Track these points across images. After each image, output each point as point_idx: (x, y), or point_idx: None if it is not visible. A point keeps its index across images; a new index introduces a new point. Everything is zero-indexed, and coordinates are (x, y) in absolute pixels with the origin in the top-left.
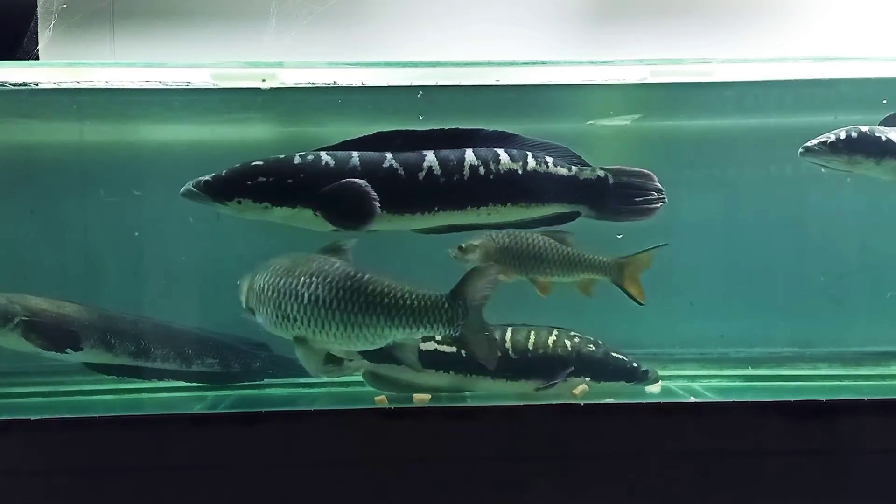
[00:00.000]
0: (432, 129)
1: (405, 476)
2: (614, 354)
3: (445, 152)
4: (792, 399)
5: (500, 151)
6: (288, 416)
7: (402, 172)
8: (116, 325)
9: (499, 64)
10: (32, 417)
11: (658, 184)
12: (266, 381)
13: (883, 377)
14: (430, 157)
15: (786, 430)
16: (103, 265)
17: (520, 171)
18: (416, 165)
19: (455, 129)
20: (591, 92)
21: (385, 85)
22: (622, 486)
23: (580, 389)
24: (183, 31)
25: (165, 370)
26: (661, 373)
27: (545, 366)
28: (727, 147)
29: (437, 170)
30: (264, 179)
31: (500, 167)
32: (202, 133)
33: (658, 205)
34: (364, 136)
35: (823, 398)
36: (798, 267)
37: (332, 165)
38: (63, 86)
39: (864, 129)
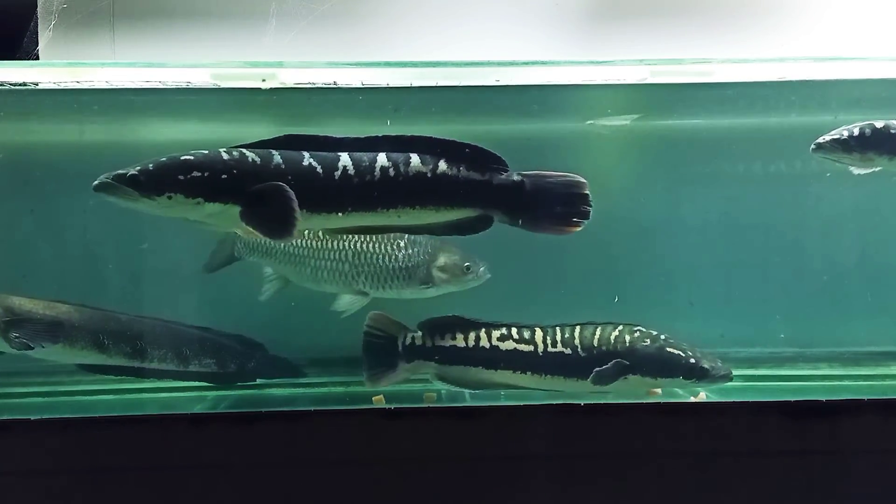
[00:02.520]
0: (346, 136)
1: (405, 476)
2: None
3: (359, 154)
4: (792, 399)
5: (413, 154)
6: (288, 416)
7: (321, 171)
8: (109, 326)
9: (499, 64)
10: (32, 417)
11: (586, 194)
12: (265, 381)
13: (883, 377)
14: (344, 157)
15: (786, 430)
16: (103, 265)
17: (429, 174)
18: (333, 165)
19: (374, 136)
20: (591, 92)
21: (385, 85)
22: (622, 486)
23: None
24: (183, 31)
25: (161, 370)
26: None
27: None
28: (727, 147)
29: (350, 170)
30: (199, 174)
31: (409, 169)
32: (203, 132)
33: (580, 221)
34: (280, 136)
35: (823, 398)
36: (798, 267)
37: (258, 163)
38: (63, 86)
39: (879, 125)
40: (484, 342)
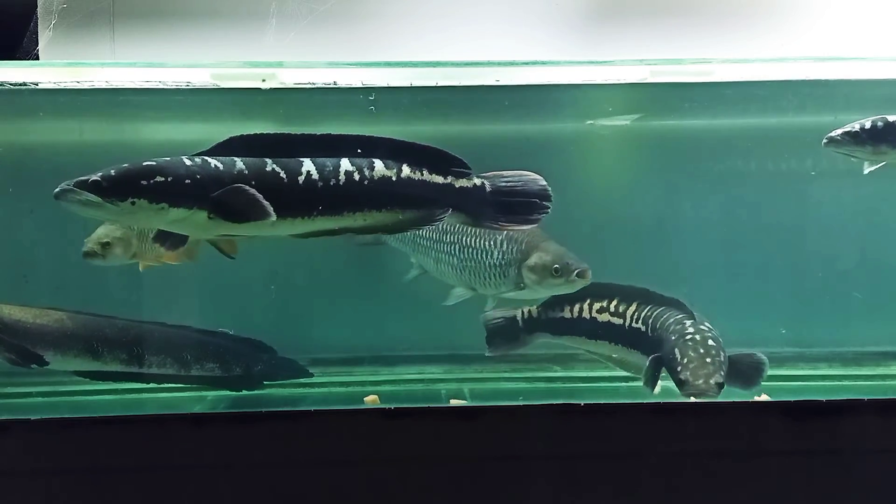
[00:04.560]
0: (309, 134)
1: (405, 476)
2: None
3: (322, 158)
4: (792, 399)
5: (375, 159)
6: (288, 416)
7: (285, 177)
8: (104, 332)
9: (499, 64)
10: (32, 417)
11: (544, 190)
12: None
13: (883, 377)
14: (307, 162)
15: (786, 430)
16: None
17: (394, 178)
18: (296, 170)
19: (328, 134)
20: (591, 92)
21: (385, 85)
22: (622, 486)
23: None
24: (183, 31)
25: (161, 375)
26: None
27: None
28: (726, 147)
29: (315, 174)
30: (162, 179)
31: (374, 174)
32: (203, 132)
33: (538, 216)
34: (237, 137)
35: (823, 398)
36: (798, 266)
37: (221, 168)
38: (63, 86)
39: (892, 118)
40: (586, 314)
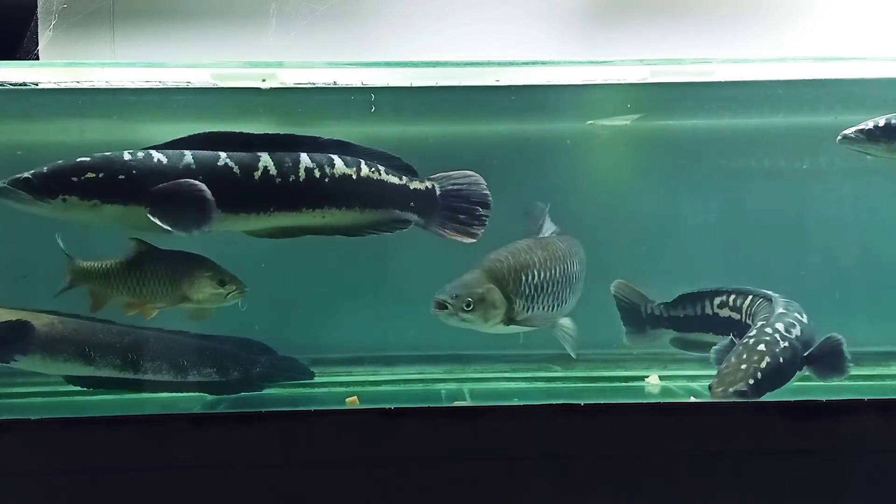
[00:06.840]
0: (266, 133)
1: (405, 476)
2: None
3: (280, 154)
4: (792, 399)
5: (334, 157)
6: (288, 416)
7: (238, 172)
8: (97, 337)
9: (499, 64)
10: (32, 417)
11: (485, 198)
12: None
13: (883, 377)
14: (264, 157)
15: (786, 430)
16: None
17: (354, 177)
18: (252, 165)
19: (289, 134)
20: (591, 92)
21: (385, 85)
22: (622, 487)
23: None
24: (183, 31)
25: (157, 382)
26: (661, 373)
27: None
28: (726, 147)
29: (272, 170)
30: (93, 175)
31: (334, 171)
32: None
33: (478, 229)
34: (195, 135)
35: (823, 398)
36: (798, 266)
37: (164, 163)
38: (63, 86)
39: None
40: (708, 310)
